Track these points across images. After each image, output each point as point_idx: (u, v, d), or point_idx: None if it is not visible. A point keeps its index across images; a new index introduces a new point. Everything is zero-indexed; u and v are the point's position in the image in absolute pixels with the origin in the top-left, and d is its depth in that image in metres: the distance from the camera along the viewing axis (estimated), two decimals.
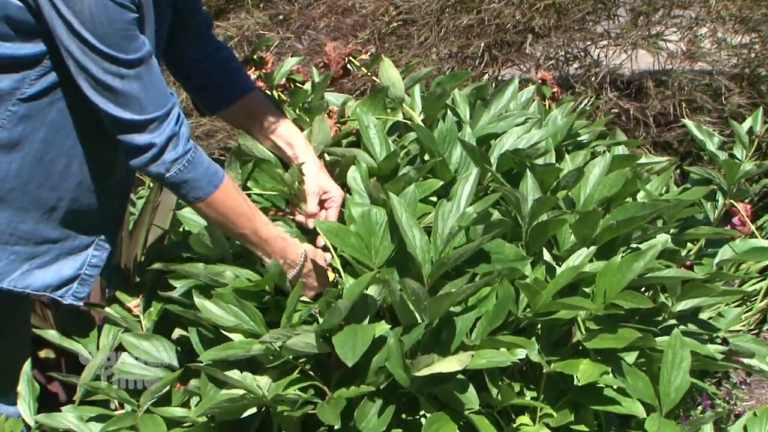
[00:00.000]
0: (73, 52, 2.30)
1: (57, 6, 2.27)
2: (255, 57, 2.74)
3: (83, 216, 2.58)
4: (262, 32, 4.85)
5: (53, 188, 2.52)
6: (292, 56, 3.45)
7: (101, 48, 2.29)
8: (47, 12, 2.30)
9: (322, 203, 2.54)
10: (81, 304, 2.61)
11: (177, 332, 2.39)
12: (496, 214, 2.30)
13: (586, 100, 3.98)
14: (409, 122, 2.54)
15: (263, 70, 2.75)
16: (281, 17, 4.98)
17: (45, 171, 2.49)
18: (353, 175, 2.39)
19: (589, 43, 4.29)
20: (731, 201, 2.62)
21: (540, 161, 2.40)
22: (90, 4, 2.27)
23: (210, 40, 2.80)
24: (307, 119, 2.63)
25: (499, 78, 4.27)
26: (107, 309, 2.52)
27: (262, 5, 5.05)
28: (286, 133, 2.70)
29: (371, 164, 2.39)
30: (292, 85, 2.80)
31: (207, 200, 2.39)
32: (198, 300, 2.21)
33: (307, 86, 2.81)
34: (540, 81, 2.86)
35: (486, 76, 4.11)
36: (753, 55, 4.11)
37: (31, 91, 2.42)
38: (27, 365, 2.59)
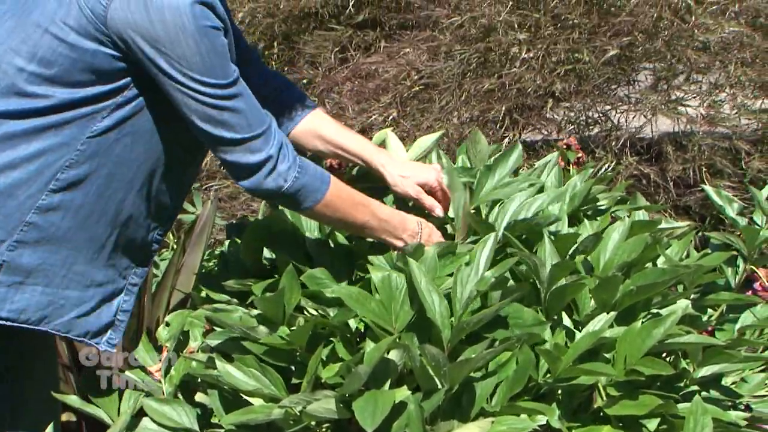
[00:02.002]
0: (182, 99, 2.35)
1: (157, 62, 2.32)
2: None
3: (124, 254, 2.60)
4: None
5: (107, 224, 2.53)
6: None
7: (209, 80, 2.33)
8: (147, 65, 2.34)
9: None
10: (113, 350, 2.63)
11: (199, 396, 2.38)
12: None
13: (607, 165, 3.98)
14: None
15: None
16: (306, 81, 5.01)
17: (103, 206, 2.51)
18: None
19: (609, 107, 4.29)
20: (752, 267, 2.60)
21: (552, 227, 2.40)
22: (191, 37, 2.30)
23: (266, 68, 2.87)
24: None
25: (520, 141, 4.26)
26: (128, 373, 2.50)
27: (287, 69, 5.08)
28: (356, 145, 2.77)
29: None
30: None
31: (324, 200, 2.43)
32: (220, 364, 2.20)
33: None
34: (565, 146, 2.85)
35: (506, 140, 4.10)
36: None
37: (100, 128, 2.43)
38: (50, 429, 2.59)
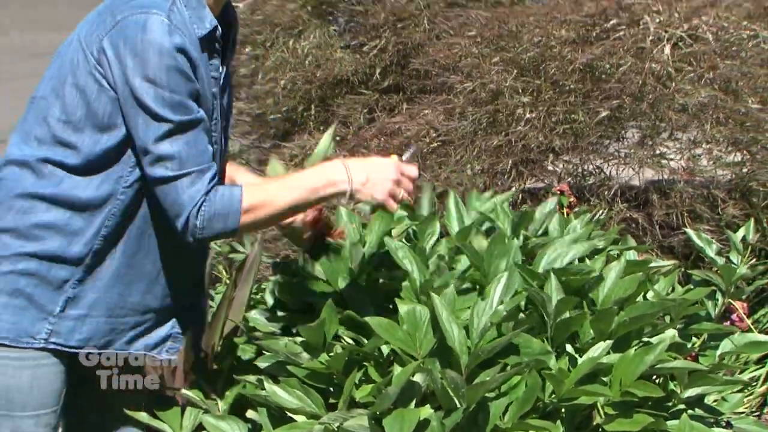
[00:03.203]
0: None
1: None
2: None
3: (177, 282, 2.58)
4: None
5: (155, 260, 2.52)
6: None
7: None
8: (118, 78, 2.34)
9: None
10: (174, 356, 2.62)
11: (250, 413, 2.37)
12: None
13: (601, 211, 3.97)
14: (460, 245, 2.51)
15: None
16: (338, 138, 5.01)
17: (146, 245, 2.50)
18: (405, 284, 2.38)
19: (601, 161, 4.29)
20: (729, 300, 2.60)
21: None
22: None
23: None
24: None
25: (525, 189, 4.27)
26: (189, 393, 2.50)
27: (322, 128, 5.09)
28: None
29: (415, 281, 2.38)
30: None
31: (246, 213, 2.38)
32: (268, 385, 2.21)
33: None
34: (559, 192, 2.85)
35: (513, 189, 4.10)
36: (744, 170, 4.09)
37: (132, 178, 2.43)
38: None
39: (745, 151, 4.14)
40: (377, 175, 2.41)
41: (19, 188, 2.48)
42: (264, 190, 2.46)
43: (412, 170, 2.44)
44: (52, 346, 2.51)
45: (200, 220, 2.35)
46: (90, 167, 2.44)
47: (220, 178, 2.57)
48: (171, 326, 2.66)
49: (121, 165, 2.44)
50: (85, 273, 2.51)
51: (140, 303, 2.57)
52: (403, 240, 2.62)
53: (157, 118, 2.33)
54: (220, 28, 2.47)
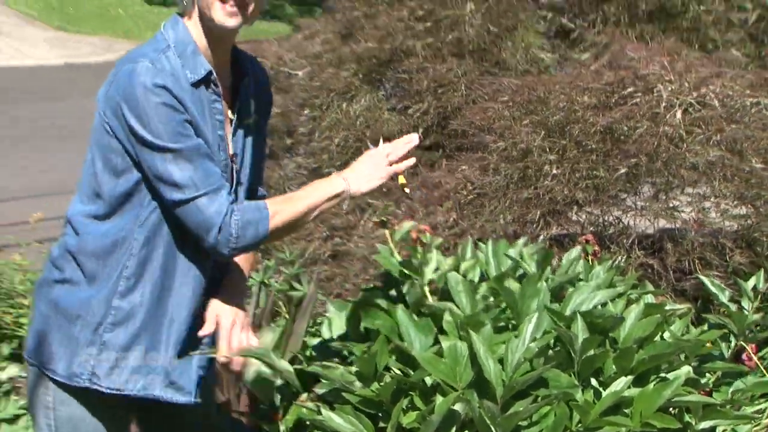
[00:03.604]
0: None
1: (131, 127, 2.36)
2: (383, 219, 2.70)
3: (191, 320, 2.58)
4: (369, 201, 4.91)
5: (178, 301, 2.54)
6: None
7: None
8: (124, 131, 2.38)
9: None
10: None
11: None
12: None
13: (620, 257, 3.97)
14: (496, 287, 2.49)
15: (390, 228, 2.71)
16: (384, 190, 5.03)
17: (170, 280, 2.51)
18: (447, 319, 2.35)
19: (620, 212, 4.28)
20: (741, 343, 2.58)
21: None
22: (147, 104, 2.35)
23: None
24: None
25: (551, 237, 4.26)
26: (254, 416, 2.52)
27: None
28: None
29: (459, 315, 2.37)
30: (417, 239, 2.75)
31: (272, 221, 2.41)
32: (324, 411, 2.21)
33: None
34: (585, 241, 2.85)
35: (541, 237, 4.10)
36: (749, 222, 4.07)
37: (144, 215, 2.46)
38: None
39: (749, 205, 4.11)
40: (367, 167, 2.49)
41: (67, 243, 2.53)
42: (283, 200, 2.52)
43: (397, 144, 2.51)
44: (95, 387, 2.52)
45: (234, 228, 2.37)
46: (112, 212, 2.47)
47: None
48: (198, 367, 2.62)
49: (136, 206, 2.46)
50: (114, 315, 2.52)
51: (168, 342, 2.55)
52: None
53: (159, 149, 2.36)
54: (215, 74, 2.48)
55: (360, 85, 5.33)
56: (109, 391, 2.47)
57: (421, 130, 5.06)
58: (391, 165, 2.49)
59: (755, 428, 2.43)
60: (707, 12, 5.05)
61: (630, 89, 4.28)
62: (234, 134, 2.57)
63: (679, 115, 4.13)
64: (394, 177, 2.53)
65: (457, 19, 5.13)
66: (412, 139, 2.55)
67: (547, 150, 4.23)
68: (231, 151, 2.55)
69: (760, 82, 4.40)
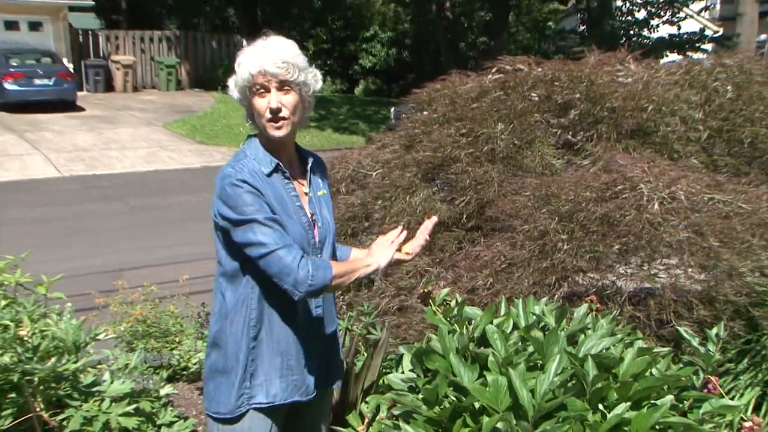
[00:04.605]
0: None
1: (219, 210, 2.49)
2: (425, 290, 2.70)
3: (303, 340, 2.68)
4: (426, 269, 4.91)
5: (285, 330, 2.64)
6: (444, 286, 3.52)
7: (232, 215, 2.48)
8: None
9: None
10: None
11: None
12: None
13: (616, 311, 3.94)
14: (525, 335, 2.48)
15: (431, 296, 2.72)
16: (438, 260, 5.03)
17: (278, 320, 2.60)
18: (491, 359, 2.35)
19: (615, 277, 4.25)
20: (707, 376, 2.55)
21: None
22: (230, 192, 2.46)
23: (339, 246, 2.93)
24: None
25: (563, 296, 4.24)
26: (342, 431, 2.50)
27: (427, 253, 5.11)
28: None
29: (499, 356, 2.35)
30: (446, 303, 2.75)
31: (333, 274, 2.46)
32: (402, 425, 2.21)
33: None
34: (590, 300, 2.84)
35: (556, 296, 4.08)
36: (709, 286, 4.03)
37: (254, 280, 2.55)
38: None
39: (709, 273, 4.07)
40: (380, 249, 2.61)
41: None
42: (344, 266, 2.56)
43: (394, 234, 2.68)
44: (255, 407, 2.57)
45: (311, 269, 2.41)
46: (234, 279, 2.56)
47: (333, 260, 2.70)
48: (317, 367, 2.70)
49: (247, 274, 2.54)
50: (254, 351, 2.57)
51: (291, 355, 2.61)
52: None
53: (247, 221, 2.42)
54: (282, 165, 2.59)
55: (419, 183, 5.37)
56: (264, 406, 2.65)
57: (464, 216, 5.09)
58: (393, 243, 2.64)
59: None
60: (672, 132, 5.07)
61: (620, 187, 4.27)
62: (310, 201, 2.65)
63: (656, 206, 4.12)
64: (399, 248, 2.68)
65: (491, 135, 5.17)
66: (402, 230, 2.71)
67: (560, 231, 4.23)
68: (309, 213, 2.62)
69: (714, 183, 4.39)
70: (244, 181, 2.43)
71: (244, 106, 2.59)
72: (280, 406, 2.60)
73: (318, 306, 2.68)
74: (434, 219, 2.83)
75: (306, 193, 2.66)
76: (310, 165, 2.70)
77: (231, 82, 2.57)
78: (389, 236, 2.67)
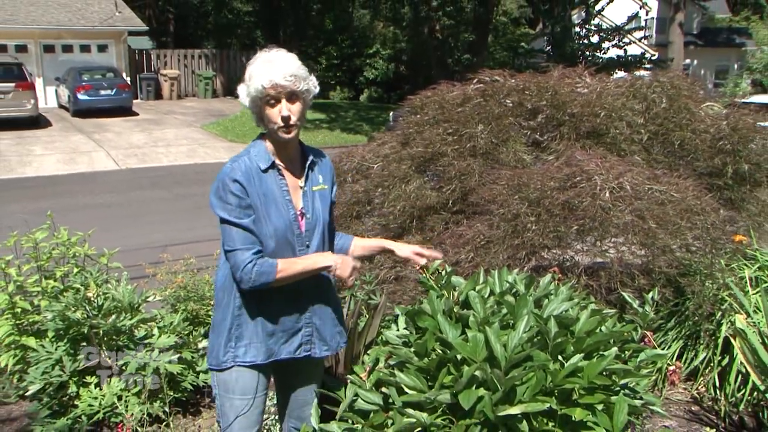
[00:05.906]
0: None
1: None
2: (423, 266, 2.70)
3: (288, 305, 2.61)
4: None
5: (268, 296, 2.53)
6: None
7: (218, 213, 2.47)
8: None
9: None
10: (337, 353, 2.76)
11: (383, 389, 2.30)
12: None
13: (574, 280, 3.94)
14: (500, 300, 2.48)
15: (426, 267, 2.71)
16: (428, 238, 5.02)
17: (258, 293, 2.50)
18: (471, 319, 2.34)
19: (573, 253, 4.26)
20: (645, 332, 2.56)
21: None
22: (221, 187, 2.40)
23: (338, 233, 2.82)
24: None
25: (531, 268, 4.24)
26: (350, 376, 2.50)
27: (419, 233, 5.11)
28: (376, 242, 2.84)
29: (478, 317, 2.34)
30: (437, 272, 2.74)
31: (277, 273, 2.40)
32: (397, 372, 2.20)
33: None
34: (553, 271, 2.84)
35: (525, 268, 4.08)
36: (648, 260, 4.03)
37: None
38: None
39: (647, 249, 4.08)
40: (347, 264, 2.50)
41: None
42: (291, 262, 2.47)
43: (356, 264, 2.54)
44: (238, 364, 2.57)
45: (254, 274, 2.38)
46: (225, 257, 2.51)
47: (330, 248, 2.63)
48: (301, 336, 2.62)
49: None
50: (238, 318, 2.54)
51: (274, 324, 2.56)
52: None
53: (220, 219, 2.41)
54: (278, 162, 2.52)
55: (413, 174, 5.35)
56: (246, 364, 2.60)
57: (450, 202, 5.08)
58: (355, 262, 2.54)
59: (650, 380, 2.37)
60: (620, 133, 5.05)
61: (578, 178, 4.26)
62: (304, 195, 2.57)
63: (607, 194, 4.11)
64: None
65: (473, 134, 5.15)
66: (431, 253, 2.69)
67: (529, 214, 4.22)
68: (300, 206, 2.55)
69: (652, 176, 4.39)
70: (235, 181, 2.41)
71: (255, 112, 2.53)
72: (261, 365, 2.59)
73: (307, 284, 2.59)
74: (436, 253, 2.75)
75: (301, 187, 2.57)
76: (309, 162, 2.62)
77: (242, 91, 2.49)
78: (352, 258, 2.58)
